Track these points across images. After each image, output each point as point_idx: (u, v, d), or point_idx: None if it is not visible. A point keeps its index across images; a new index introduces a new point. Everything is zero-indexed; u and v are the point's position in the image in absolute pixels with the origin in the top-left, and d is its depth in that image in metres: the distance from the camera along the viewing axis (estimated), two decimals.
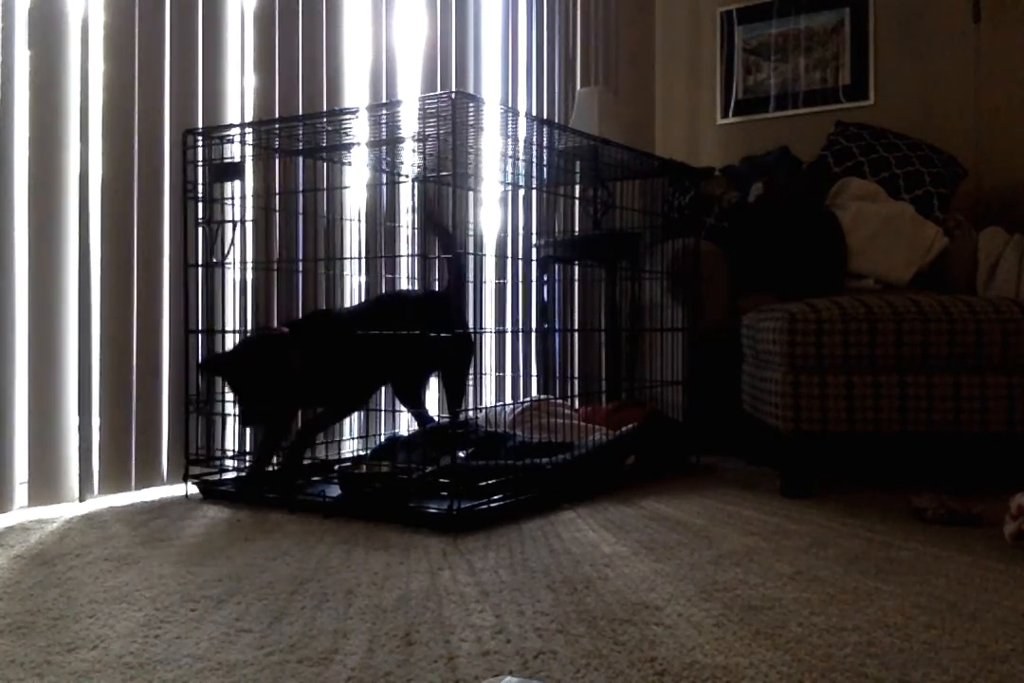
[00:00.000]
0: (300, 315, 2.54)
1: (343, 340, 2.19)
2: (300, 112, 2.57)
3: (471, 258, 2.95)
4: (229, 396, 2.36)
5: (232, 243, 2.35)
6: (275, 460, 2.39)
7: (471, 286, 2.95)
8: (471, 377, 2.36)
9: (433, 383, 2.70)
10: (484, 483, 2.02)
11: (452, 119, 1.92)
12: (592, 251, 3.11)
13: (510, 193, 3.24)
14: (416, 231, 2.87)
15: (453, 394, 2.31)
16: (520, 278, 3.35)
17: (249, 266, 2.45)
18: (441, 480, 2.02)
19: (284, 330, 2.18)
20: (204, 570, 1.55)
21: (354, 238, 2.74)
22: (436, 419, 2.54)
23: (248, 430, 2.42)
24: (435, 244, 2.63)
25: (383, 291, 2.73)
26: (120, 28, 2.19)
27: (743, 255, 3.01)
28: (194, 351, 2.29)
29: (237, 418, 2.20)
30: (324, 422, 2.26)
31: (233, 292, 2.41)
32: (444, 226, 2.42)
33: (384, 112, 2.12)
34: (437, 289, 2.58)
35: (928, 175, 3.25)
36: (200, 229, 2.31)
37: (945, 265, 3.11)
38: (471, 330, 2.30)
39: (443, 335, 2.09)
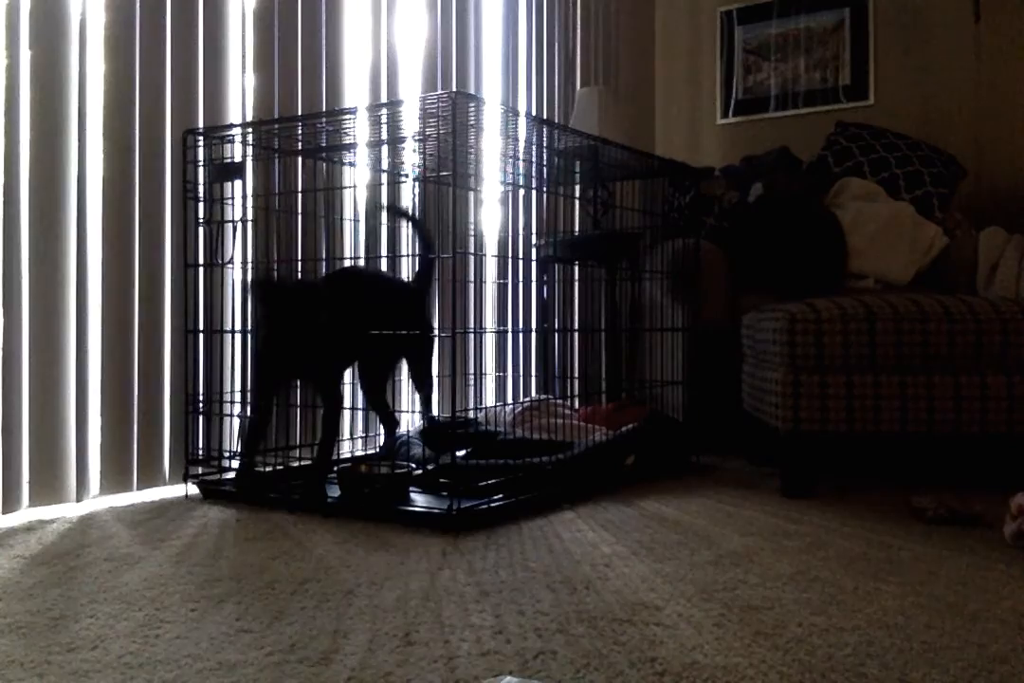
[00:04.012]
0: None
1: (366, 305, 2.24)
2: (300, 112, 2.57)
3: (471, 258, 2.96)
4: (227, 397, 2.36)
5: (232, 244, 2.35)
6: (273, 458, 2.38)
7: (471, 286, 2.94)
8: (472, 377, 2.37)
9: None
10: (484, 483, 2.02)
11: (452, 119, 1.92)
12: (592, 251, 3.11)
13: (510, 193, 3.24)
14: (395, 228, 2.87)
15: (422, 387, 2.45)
16: (520, 278, 3.35)
17: (249, 266, 2.45)
18: (441, 480, 2.02)
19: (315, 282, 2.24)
20: (204, 570, 1.55)
21: (354, 238, 2.74)
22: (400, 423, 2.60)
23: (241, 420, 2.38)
24: (414, 241, 2.68)
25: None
26: (120, 28, 2.19)
27: (743, 255, 3.01)
28: (194, 351, 2.29)
29: (253, 378, 2.23)
30: (331, 417, 2.22)
31: (233, 292, 2.41)
32: (420, 222, 2.49)
33: (384, 112, 2.12)
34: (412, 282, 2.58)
35: (928, 175, 3.25)
36: (200, 229, 2.31)
37: (945, 265, 3.11)
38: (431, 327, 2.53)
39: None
